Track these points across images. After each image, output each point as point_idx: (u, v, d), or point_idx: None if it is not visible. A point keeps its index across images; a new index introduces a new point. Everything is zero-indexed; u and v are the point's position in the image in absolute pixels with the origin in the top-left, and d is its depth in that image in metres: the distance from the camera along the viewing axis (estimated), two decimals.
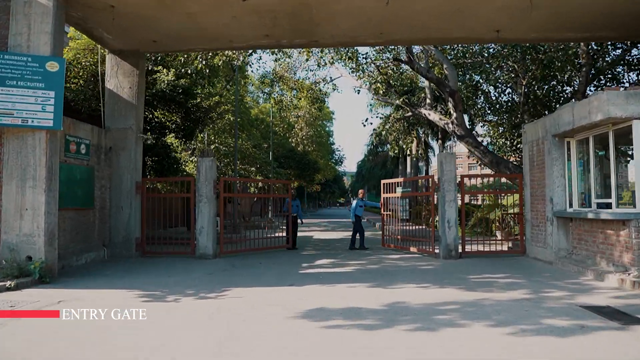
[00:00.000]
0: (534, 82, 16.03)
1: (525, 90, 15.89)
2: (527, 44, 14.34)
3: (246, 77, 23.29)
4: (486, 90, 19.01)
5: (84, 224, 10.71)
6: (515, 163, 17.45)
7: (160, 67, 14.51)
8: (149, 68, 14.59)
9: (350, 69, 19.88)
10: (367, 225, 27.79)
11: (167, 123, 16.93)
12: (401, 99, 16.97)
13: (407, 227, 16.69)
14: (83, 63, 13.06)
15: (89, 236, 10.95)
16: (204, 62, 14.12)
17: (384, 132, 18.10)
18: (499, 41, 13.35)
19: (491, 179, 18.06)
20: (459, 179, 11.74)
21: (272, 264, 10.52)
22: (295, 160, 32.89)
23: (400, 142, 18.31)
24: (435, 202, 12.41)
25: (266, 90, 23.77)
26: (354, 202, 14.51)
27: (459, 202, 11.57)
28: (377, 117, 29.35)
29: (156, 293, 7.29)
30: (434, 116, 17.09)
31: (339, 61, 21.27)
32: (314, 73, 22.39)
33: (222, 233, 11.94)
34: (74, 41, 13.22)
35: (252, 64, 25.17)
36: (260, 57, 23.80)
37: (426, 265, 10.33)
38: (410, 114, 17.66)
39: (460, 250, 11.30)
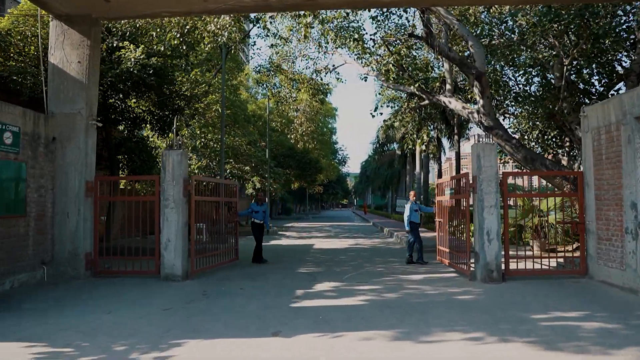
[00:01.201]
0: (577, 62, 13.39)
1: (567, 73, 13.26)
2: (571, 12, 11.72)
3: (237, 62, 20.80)
4: (513, 75, 16.39)
5: (9, 237, 8.14)
6: (552, 160, 14.83)
7: (127, 42, 11.97)
8: (114, 44, 12.06)
9: (356, 54, 17.36)
10: (373, 230, 25.11)
11: (142, 113, 14.39)
12: (416, 85, 14.36)
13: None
14: (25, 33, 10.52)
15: (19, 252, 8.38)
16: (178, 36, 11.54)
17: (396, 124, 15.47)
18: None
19: (534, 179, 15.32)
20: (500, 177, 9.11)
21: (256, 290, 7.93)
22: (296, 160, 30.33)
23: (415, 135, 15.80)
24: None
25: (261, 81, 21.28)
26: (407, 206, 11.85)
27: (501, 207, 8.92)
28: (387, 106, 27.01)
29: (64, 351, 4.72)
30: (455, 104, 14.48)
31: (343, 47, 18.79)
32: (314, 61, 19.64)
33: (194, 247, 9.34)
34: (16, 8, 10.70)
35: (245, 49, 22.73)
36: (255, 41, 21.24)
37: (462, 293, 7.71)
38: (426, 102, 15.06)
39: (503, 270, 8.67)
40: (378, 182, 55.53)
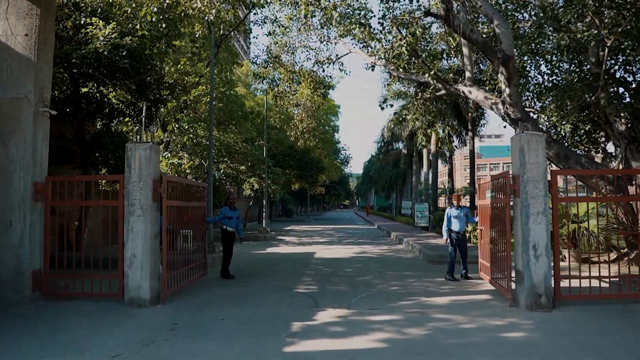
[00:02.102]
0: (618, 45, 11.62)
1: (606, 57, 11.49)
2: None
3: (232, 53, 19.06)
4: (538, 64, 14.64)
5: None
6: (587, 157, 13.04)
7: (97, 19, 10.23)
8: (81, 22, 10.31)
9: (362, 41, 15.63)
10: (379, 234, 23.17)
11: (119, 105, 12.67)
12: (432, 72, 12.57)
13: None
14: None
15: None
16: (156, 11, 9.78)
17: (409, 116, 13.62)
18: None
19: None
20: (548, 177, 7.30)
21: (241, 323, 6.15)
22: (296, 159, 28.53)
23: (428, 130, 13.95)
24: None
25: (259, 75, 19.52)
26: (449, 211, 9.97)
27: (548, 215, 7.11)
28: (391, 105, 25.51)
29: None
30: (476, 94, 12.71)
31: (347, 35, 17.05)
32: (316, 52, 17.91)
33: (166, 262, 7.55)
34: None
35: (242, 42, 21.08)
36: (251, 29, 19.50)
37: (508, 327, 5.92)
38: (442, 92, 13.27)
39: (552, 294, 6.88)
40: (382, 183, 53.73)
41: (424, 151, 30.77)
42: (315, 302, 7.45)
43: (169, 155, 17.59)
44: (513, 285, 7.25)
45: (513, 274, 7.30)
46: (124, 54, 10.15)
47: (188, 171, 21.60)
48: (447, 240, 10.08)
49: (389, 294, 8.03)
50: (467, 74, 13.18)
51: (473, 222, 10.17)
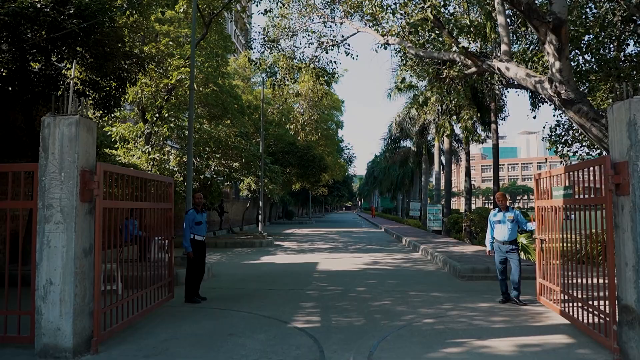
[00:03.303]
0: None
1: None
2: None
3: (224, 36, 16.75)
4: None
5: None
6: None
7: None
8: None
9: (371, 20, 13.42)
10: (388, 239, 20.53)
11: (81, 86, 10.38)
12: (460, 46, 10.24)
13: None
14: None
15: None
16: None
17: (432, 98, 11.21)
18: None
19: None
20: None
21: None
22: (297, 156, 26.20)
23: (453, 118, 11.58)
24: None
25: (255, 62, 17.27)
26: (494, 215, 7.68)
27: None
28: (409, 89, 23.30)
29: None
30: (516, 70, 10.33)
31: (356, 12, 14.86)
32: (318, 34, 15.68)
33: (98, 293, 5.19)
34: None
35: (236, 28, 18.85)
36: (245, 7, 17.20)
37: None
38: (472, 69, 10.93)
39: None
40: (387, 184, 51.42)
41: (435, 148, 28.46)
42: (319, 348, 5.11)
43: (150, 149, 15.28)
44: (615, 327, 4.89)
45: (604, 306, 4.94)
46: (72, 11, 7.84)
47: (176, 169, 19.34)
48: (489, 252, 7.77)
49: (422, 333, 5.69)
50: (504, 47, 10.80)
51: (528, 229, 7.81)
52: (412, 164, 35.79)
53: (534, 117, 16.41)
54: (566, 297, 6.01)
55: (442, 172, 28.98)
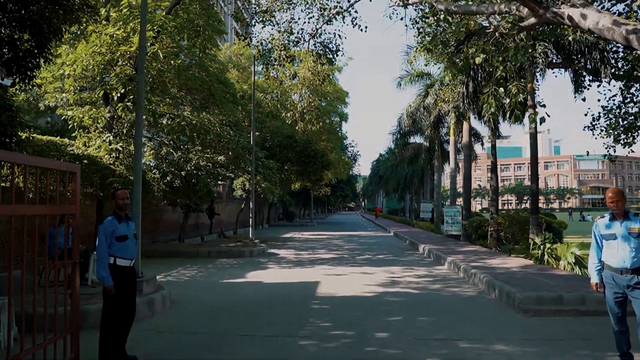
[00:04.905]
0: None
1: None
2: None
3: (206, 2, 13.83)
4: None
5: None
6: None
7: None
8: None
9: None
10: (400, 245, 16.96)
11: None
12: None
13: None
14: None
15: None
16: None
17: (477, 59, 8.26)
18: None
19: None
20: None
21: None
22: (296, 151, 23.22)
23: (508, 85, 8.56)
24: None
25: (242, 32, 14.40)
26: (605, 226, 4.66)
27: None
28: (421, 78, 20.64)
29: None
30: (596, 18, 7.31)
31: None
32: (319, 4, 12.79)
33: None
34: None
35: None
36: None
37: None
38: (532, 20, 7.98)
39: None
40: (393, 183, 48.40)
41: (451, 143, 25.44)
42: None
43: (111, 138, 12.36)
44: None
45: None
46: None
47: (152, 164, 16.41)
48: (596, 285, 4.77)
49: None
50: None
51: None
52: (423, 161, 32.75)
53: (583, 99, 13.51)
54: None
55: (460, 167, 26.05)
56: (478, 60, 7.98)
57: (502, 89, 8.53)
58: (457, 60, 10.56)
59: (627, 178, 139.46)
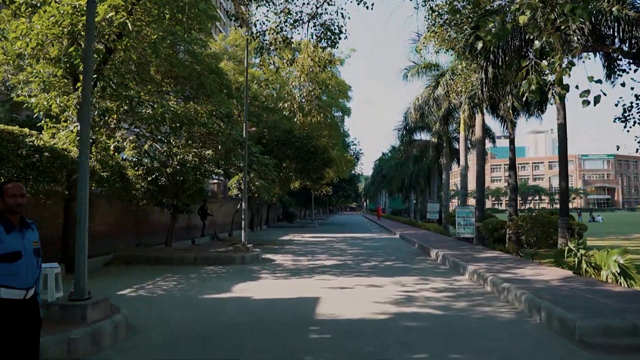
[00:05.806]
0: None
1: None
2: None
3: None
4: None
5: None
6: None
7: None
8: None
9: None
10: (408, 248, 15.04)
11: None
12: None
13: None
14: None
15: None
16: None
17: (521, 18, 6.78)
18: None
19: None
20: None
21: None
22: (294, 147, 21.54)
23: (544, 63, 7.15)
24: None
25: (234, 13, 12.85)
26: None
27: None
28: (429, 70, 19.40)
29: None
30: None
31: None
32: None
33: None
34: None
35: None
36: None
37: None
38: None
39: None
40: (398, 182, 46.65)
41: (461, 139, 23.76)
42: None
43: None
44: None
45: None
46: None
47: (134, 159, 14.77)
48: None
49: None
50: None
51: None
52: (430, 159, 31.02)
53: (622, 84, 11.85)
54: None
55: (471, 164, 24.39)
56: (522, 19, 6.29)
57: (544, 62, 6.90)
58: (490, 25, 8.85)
59: (633, 178, 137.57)
